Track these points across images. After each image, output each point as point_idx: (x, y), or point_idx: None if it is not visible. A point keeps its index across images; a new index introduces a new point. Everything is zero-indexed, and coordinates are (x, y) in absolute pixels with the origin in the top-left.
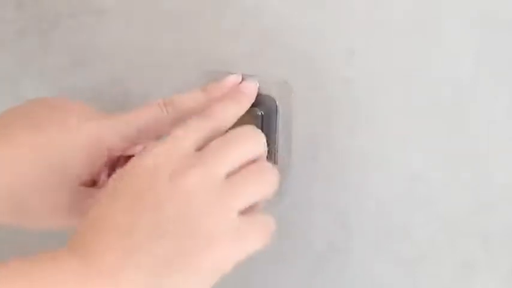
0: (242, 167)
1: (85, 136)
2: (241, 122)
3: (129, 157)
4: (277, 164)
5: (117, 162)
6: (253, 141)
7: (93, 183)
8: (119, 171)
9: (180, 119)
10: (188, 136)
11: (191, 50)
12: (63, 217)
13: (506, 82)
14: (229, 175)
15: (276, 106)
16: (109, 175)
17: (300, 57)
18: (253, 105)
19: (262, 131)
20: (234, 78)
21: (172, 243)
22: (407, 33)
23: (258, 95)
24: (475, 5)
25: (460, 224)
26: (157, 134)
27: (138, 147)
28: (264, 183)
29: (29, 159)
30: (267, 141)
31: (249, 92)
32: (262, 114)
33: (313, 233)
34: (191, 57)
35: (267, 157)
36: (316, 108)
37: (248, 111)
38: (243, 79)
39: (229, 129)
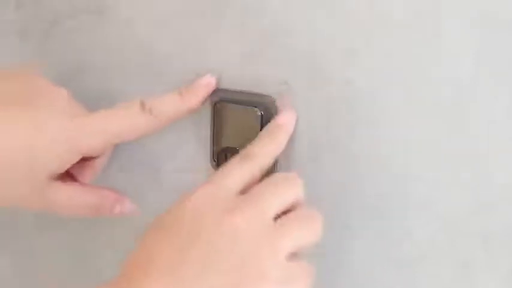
0: (287, 210)
1: (58, 135)
2: (241, 122)
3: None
4: (276, 165)
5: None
6: (294, 185)
7: (68, 175)
8: (168, 209)
9: (158, 123)
10: (232, 179)
11: (191, 50)
12: (25, 204)
13: (506, 82)
14: (276, 218)
15: (276, 106)
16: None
17: (300, 57)
18: (253, 105)
19: (261, 129)
20: (207, 80)
21: (220, 280)
22: (407, 33)
23: (258, 95)
24: (475, 5)
25: (460, 224)
26: (134, 136)
27: None
28: (310, 229)
29: (9, 145)
30: None
31: (286, 124)
32: (262, 114)
33: None
34: (191, 57)
35: None
36: (316, 108)
37: (248, 111)
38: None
39: (235, 126)
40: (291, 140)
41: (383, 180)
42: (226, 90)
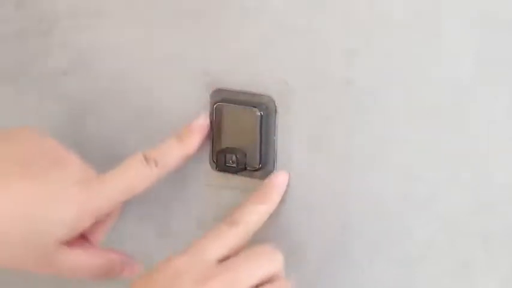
0: (262, 283)
1: (72, 204)
2: (241, 122)
3: None
4: (276, 165)
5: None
6: (273, 259)
7: (79, 236)
8: (144, 275)
9: (164, 172)
10: (212, 246)
11: (191, 51)
12: (33, 269)
13: (506, 82)
14: None
15: (275, 106)
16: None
17: (300, 58)
18: (252, 106)
19: (261, 131)
20: (201, 122)
21: None
22: (407, 33)
23: (258, 95)
24: (475, 5)
25: (460, 224)
26: (142, 189)
27: None
28: None
29: (13, 213)
30: (266, 141)
31: (280, 185)
32: (261, 115)
33: (313, 233)
34: (191, 57)
35: (266, 158)
36: (316, 109)
37: (248, 112)
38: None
39: (235, 127)
40: (291, 140)
41: (383, 180)
42: (226, 91)
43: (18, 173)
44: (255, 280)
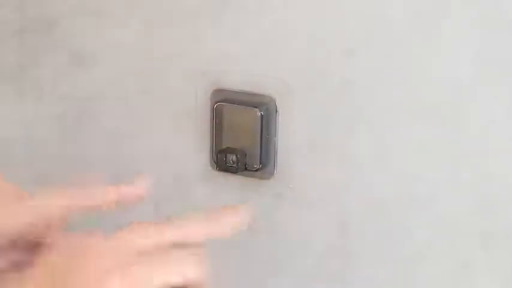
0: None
1: None
2: (241, 122)
3: None
4: (276, 165)
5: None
6: (194, 266)
7: None
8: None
9: None
10: (139, 235)
11: (191, 50)
12: None
13: (506, 82)
14: None
15: (276, 106)
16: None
17: (300, 58)
18: (253, 106)
19: (262, 131)
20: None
21: None
22: (407, 33)
23: (258, 95)
24: (475, 5)
25: (460, 224)
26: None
27: None
28: None
29: None
30: (266, 141)
31: (238, 212)
32: (262, 115)
33: (313, 233)
34: (191, 56)
35: (266, 158)
36: (316, 108)
37: (248, 112)
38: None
39: (235, 127)
40: (290, 139)
41: (383, 180)
42: (226, 91)
43: None
44: (165, 282)
